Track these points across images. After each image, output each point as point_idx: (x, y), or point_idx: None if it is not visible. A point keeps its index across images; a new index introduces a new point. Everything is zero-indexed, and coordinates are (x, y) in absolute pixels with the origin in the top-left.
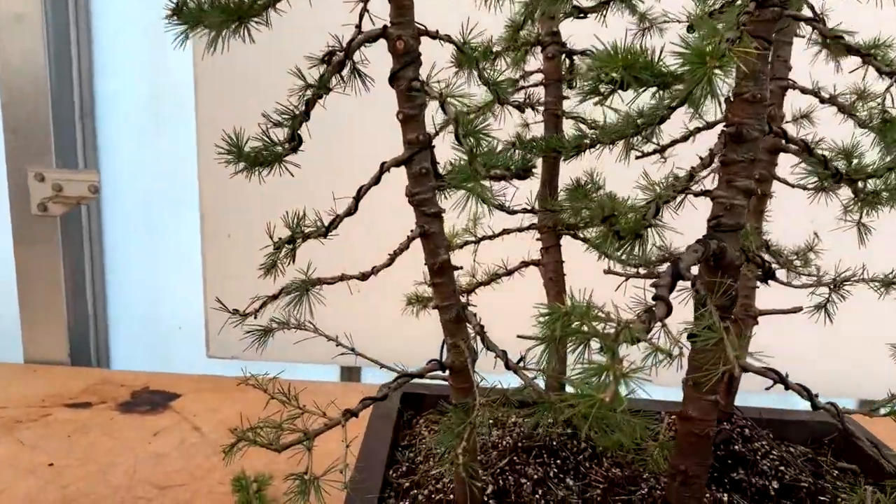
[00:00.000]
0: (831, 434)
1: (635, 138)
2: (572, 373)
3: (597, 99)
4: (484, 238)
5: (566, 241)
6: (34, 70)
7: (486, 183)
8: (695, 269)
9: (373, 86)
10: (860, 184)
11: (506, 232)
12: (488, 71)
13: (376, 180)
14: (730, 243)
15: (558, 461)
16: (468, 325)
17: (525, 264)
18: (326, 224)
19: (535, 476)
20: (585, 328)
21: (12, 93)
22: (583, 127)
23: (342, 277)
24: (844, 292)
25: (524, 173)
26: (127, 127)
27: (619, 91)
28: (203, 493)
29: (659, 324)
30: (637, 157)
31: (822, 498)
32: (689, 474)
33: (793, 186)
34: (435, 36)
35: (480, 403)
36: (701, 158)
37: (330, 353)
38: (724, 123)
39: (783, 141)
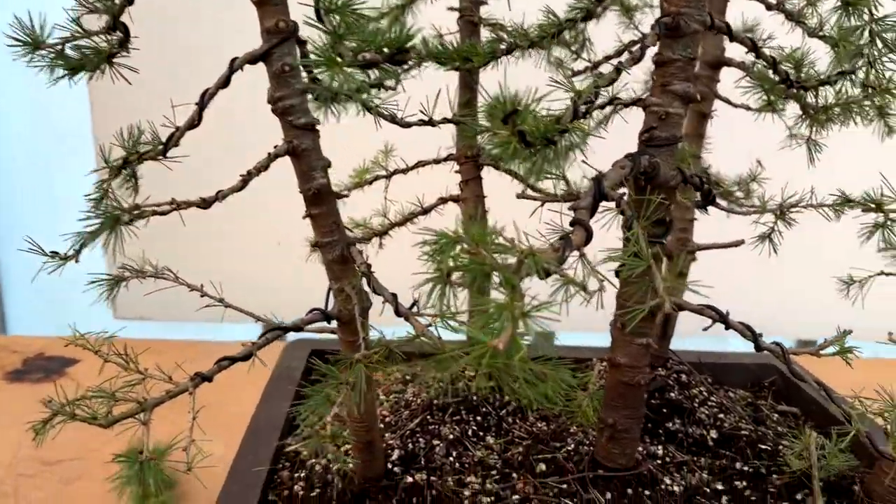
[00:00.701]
0: (772, 377)
1: (564, 54)
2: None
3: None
4: (396, 171)
5: (490, 173)
6: None
7: (358, 75)
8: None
9: None
10: (810, 98)
11: (420, 164)
12: None
13: (225, 81)
14: (664, 159)
15: (479, 418)
16: (355, 265)
17: (443, 200)
18: (164, 140)
19: (451, 436)
20: (481, 259)
21: None
22: (502, 35)
23: (173, 203)
24: (790, 220)
25: (400, 56)
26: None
27: None
28: (94, 469)
29: (576, 253)
30: (571, 76)
31: (762, 446)
32: (618, 428)
33: (735, 106)
34: None
35: (356, 359)
36: (630, 52)
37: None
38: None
39: (727, 38)
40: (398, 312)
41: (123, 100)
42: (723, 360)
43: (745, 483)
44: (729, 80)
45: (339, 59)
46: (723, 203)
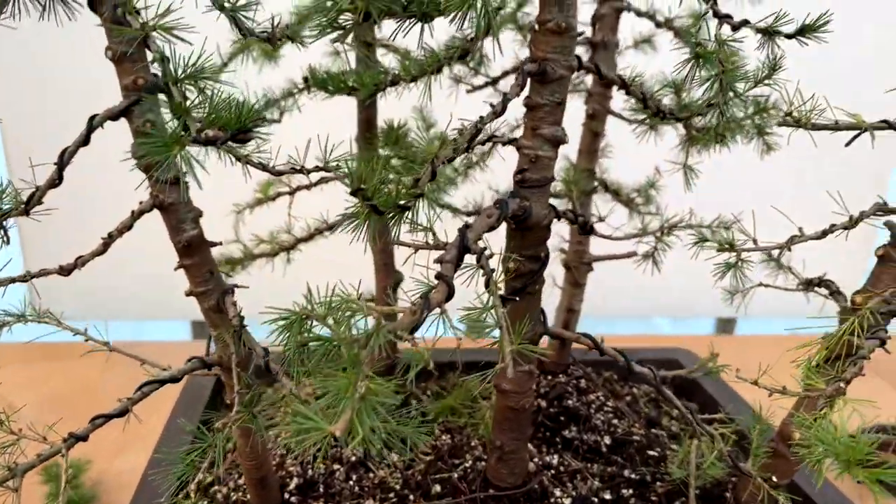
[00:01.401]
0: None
1: (461, 70)
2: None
3: (336, 35)
4: (300, 188)
5: None
6: None
7: (196, 150)
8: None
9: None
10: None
11: (324, 181)
12: None
13: (84, 140)
14: (536, 200)
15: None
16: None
17: (345, 217)
18: (26, 198)
19: (353, 458)
20: (329, 330)
21: None
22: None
23: (28, 275)
24: (668, 243)
25: (244, 135)
26: None
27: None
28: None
29: (438, 310)
30: (468, 92)
31: (651, 452)
32: (505, 449)
33: (630, 122)
34: None
35: (217, 428)
36: (492, 106)
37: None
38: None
39: (598, 77)
40: (268, 369)
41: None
42: (629, 356)
43: (631, 491)
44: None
45: (181, 135)
46: (602, 229)
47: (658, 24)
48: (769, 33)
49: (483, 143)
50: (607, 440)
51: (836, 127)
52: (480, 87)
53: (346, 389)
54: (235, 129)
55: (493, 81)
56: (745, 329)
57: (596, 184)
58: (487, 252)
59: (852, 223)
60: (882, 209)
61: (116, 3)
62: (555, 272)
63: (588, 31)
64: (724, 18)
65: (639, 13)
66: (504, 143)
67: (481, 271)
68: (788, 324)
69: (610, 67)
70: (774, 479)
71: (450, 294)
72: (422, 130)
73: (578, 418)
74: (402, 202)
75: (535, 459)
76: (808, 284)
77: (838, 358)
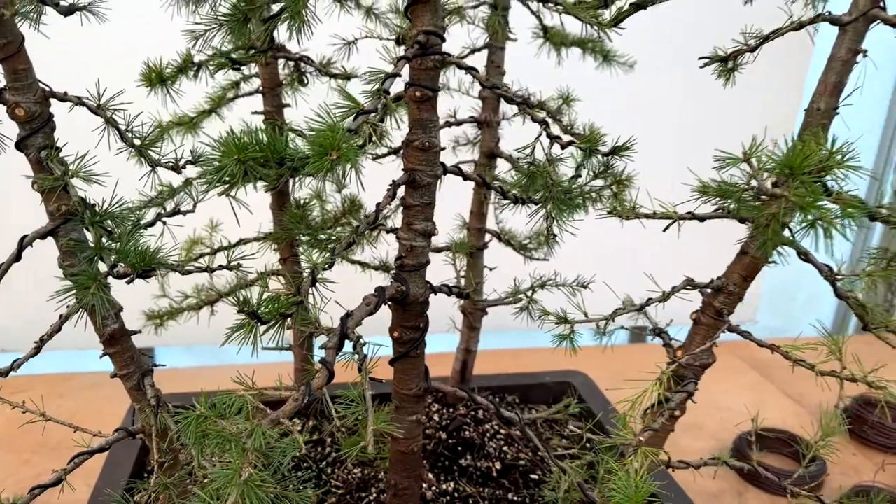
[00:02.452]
0: (568, 395)
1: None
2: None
3: (222, 189)
4: (220, 249)
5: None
6: None
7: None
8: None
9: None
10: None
11: (242, 242)
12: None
13: (16, 258)
14: (414, 282)
15: (299, 472)
16: (147, 394)
17: (262, 275)
18: None
19: (270, 494)
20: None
21: None
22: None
23: None
24: (537, 299)
25: (147, 273)
26: None
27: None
28: None
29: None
30: (374, 159)
31: (532, 476)
32: (399, 487)
33: (503, 195)
34: (63, 98)
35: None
36: (377, 205)
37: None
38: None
39: (462, 178)
40: (182, 442)
41: None
42: (527, 382)
43: None
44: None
45: (98, 275)
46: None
47: (531, 107)
48: (589, 151)
49: (371, 230)
50: (497, 466)
51: (654, 216)
52: (384, 156)
53: (232, 477)
54: (141, 269)
55: (395, 151)
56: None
57: (488, 237)
58: (362, 341)
59: (665, 297)
60: (689, 284)
61: (40, 146)
62: (455, 316)
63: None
64: (554, 139)
65: (510, 101)
66: (388, 231)
67: (356, 357)
68: None
69: (493, 139)
70: None
71: (330, 377)
72: (333, 193)
73: (473, 447)
74: (283, 311)
75: (434, 488)
76: (655, 332)
77: (661, 403)
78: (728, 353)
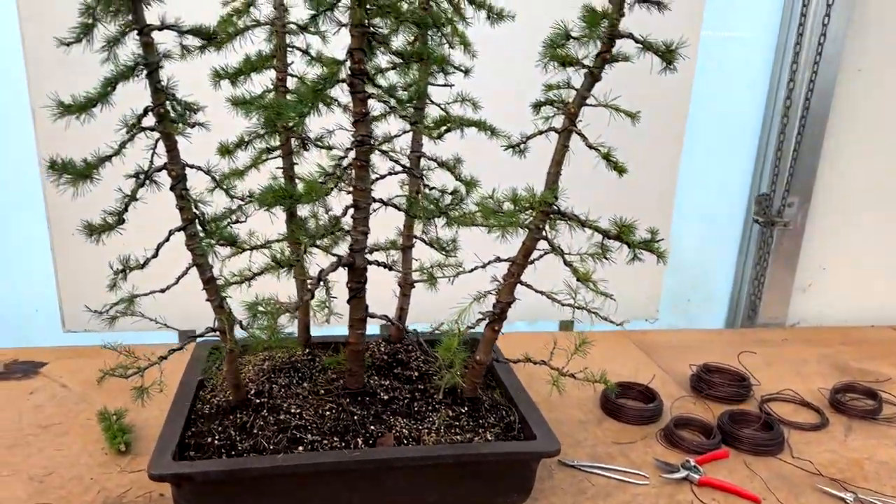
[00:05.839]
0: None
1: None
2: None
3: (264, 209)
4: (256, 247)
5: None
6: None
7: None
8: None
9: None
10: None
11: (269, 241)
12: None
13: (166, 240)
14: (357, 258)
15: (299, 374)
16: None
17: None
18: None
19: (283, 383)
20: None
21: None
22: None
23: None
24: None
25: (231, 245)
26: None
27: None
28: (76, 427)
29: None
30: (341, 191)
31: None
32: (352, 371)
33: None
34: (191, 166)
35: (227, 348)
36: (337, 218)
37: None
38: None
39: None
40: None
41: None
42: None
43: (420, 394)
44: None
45: (208, 246)
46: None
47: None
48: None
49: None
50: (415, 374)
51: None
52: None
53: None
54: (228, 243)
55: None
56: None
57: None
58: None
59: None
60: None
61: (181, 187)
62: (395, 288)
63: None
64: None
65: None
66: (345, 232)
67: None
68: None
69: (415, 185)
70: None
71: (320, 279)
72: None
73: (402, 363)
74: (290, 263)
75: (375, 381)
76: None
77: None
78: (623, 338)
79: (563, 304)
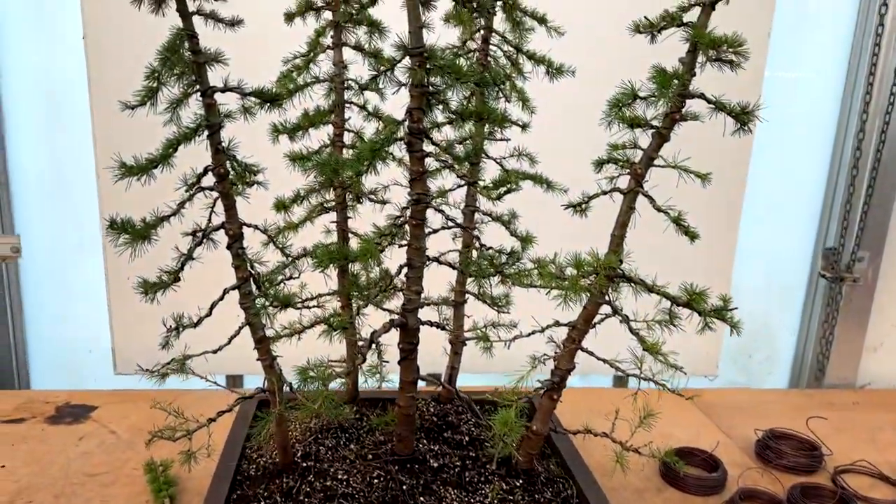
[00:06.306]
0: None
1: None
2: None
3: (320, 269)
4: (309, 299)
5: None
6: None
7: None
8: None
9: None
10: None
11: (320, 295)
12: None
13: (220, 298)
14: (410, 318)
15: (346, 435)
16: (273, 371)
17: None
18: (196, 320)
19: (330, 444)
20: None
21: None
22: None
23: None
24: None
25: (287, 307)
26: (38, 192)
27: None
28: (122, 477)
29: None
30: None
31: (487, 444)
32: (401, 436)
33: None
34: (248, 225)
35: (276, 412)
36: (391, 276)
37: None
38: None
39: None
40: (291, 388)
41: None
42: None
43: (471, 462)
44: None
45: (262, 306)
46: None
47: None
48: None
49: (389, 288)
50: (466, 438)
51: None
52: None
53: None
54: (282, 304)
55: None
56: None
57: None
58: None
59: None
60: (556, 323)
61: (238, 246)
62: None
63: None
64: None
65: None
66: (398, 290)
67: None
68: None
69: (470, 237)
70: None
71: (372, 341)
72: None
73: (452, 426)
74: (343, 325)
75: (425, 445)
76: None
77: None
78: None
79: (627, 375)
